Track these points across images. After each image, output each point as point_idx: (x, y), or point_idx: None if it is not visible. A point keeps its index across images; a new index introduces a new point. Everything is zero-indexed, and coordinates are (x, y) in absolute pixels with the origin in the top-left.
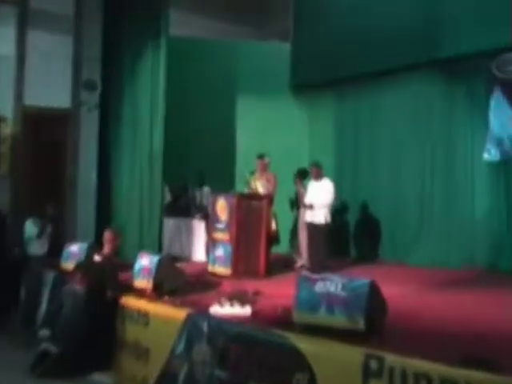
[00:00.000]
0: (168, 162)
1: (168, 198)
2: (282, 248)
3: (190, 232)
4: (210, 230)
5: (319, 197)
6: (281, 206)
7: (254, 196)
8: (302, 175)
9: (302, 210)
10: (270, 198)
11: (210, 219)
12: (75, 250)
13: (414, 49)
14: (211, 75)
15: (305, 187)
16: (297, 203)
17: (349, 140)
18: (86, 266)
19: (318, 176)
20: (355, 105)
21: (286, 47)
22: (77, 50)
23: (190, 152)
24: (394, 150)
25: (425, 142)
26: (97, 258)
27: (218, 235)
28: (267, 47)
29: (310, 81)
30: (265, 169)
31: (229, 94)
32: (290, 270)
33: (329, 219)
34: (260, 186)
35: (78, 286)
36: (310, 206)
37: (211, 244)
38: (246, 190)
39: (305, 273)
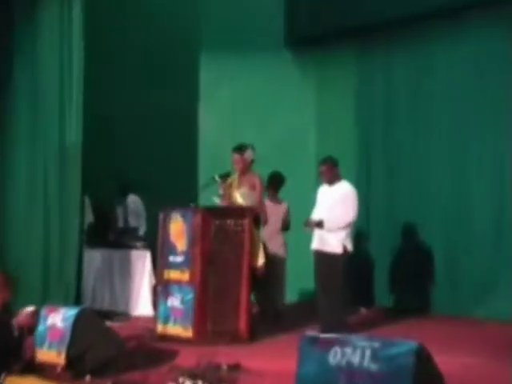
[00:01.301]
0: (89, 163)
1: (90, 217)
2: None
3: (126, 271)
4: (159, 266)
5: (334, 211)
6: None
7: (231, 212)
8: (276, 184)
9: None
10: (254, 215)
11: (159, 249)
12: None
13: None
14: (159, 29)
15: (275, 202)
16: (284, 225)
17: (379, 119)
18: None
19: (332, 178)
20: (388, 64)
21: None
22: None
23: (123, 147)
24: (456, 135)
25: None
26: None
27: (173, 274)
28: None
29: (315, 32)
30: (246, 169)
31: (187, 57)
32: (287, 329)
33: (349, 246)
34: (239, 196)
35: None
36: (319, 225)
37: (162, 289)
38: (216, 202)
39: (311, 334)
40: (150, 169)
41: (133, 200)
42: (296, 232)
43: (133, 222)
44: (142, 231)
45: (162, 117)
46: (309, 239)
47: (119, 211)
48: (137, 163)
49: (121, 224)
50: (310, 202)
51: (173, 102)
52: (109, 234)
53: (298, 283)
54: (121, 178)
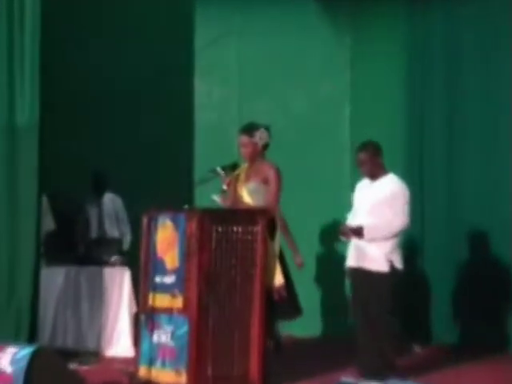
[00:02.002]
0: (50, 151)
1: (50, 224)
2: (306, 324)
3: (98, 295)
4: (142, 289)
5: (377, 215)
6: (302, 233)
7: (238, 215)
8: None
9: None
10: (270, 218)
11: (141, 266)
12: None
13: None
14: None
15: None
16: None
17: (437, 91)
18: None
19: (375, 170)
20: (452, 19)
21: None
22: None
23: (96, 130)
24: None
25: None
26: None
27: (161, 300)
28: None
29: None
30: (257, 156)
31: (178, 7)
32: (314, 372)
33: (398, 262)
34: (247, 193)
35: None
36: (358, 233)
37: (145, 320)
38: (217, 202)
39: (347, 380)
40: (131, 159)
41: (110, 200)
42: (324, 243)
43: (110, 230)
44: (126, 242)
45: (146, 90)
46: (342, 252)
47: (91, 215)
48: (114, 152)
49: (94, 233)
50: (344, 202)
51: (159, 70)
52: (76, 246)
53: (327, 311)
54: (94, 172)
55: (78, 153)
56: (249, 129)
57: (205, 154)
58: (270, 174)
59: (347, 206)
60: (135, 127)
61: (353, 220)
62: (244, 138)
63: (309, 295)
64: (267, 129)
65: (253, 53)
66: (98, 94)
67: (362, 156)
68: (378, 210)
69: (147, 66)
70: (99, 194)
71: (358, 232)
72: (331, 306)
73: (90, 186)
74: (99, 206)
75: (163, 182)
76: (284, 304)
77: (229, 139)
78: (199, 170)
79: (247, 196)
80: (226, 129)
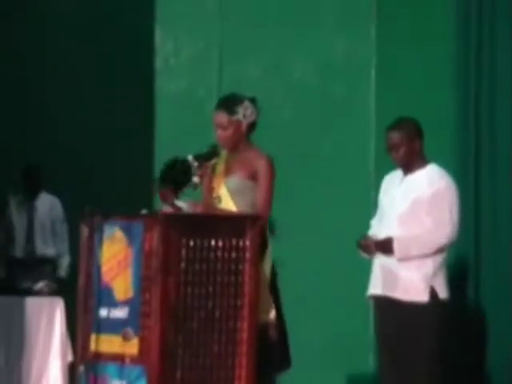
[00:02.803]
0: None
1: None
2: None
3: (18, 337)
4: (81, 327)
5: (414, 223)
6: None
7: (217, 223)
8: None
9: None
10: (259, 228)
11: (79, 295)
12: None
13: None
14: None
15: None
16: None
17: (503, 43)
18: None
19: (412, 159)
20: None
21: None
22: None
23: (28, 111)
24: None
25: None
26: None
27: (108, 344)
28: None
29: None
30: (239, 140)
31: None
32: None
33: (442, 289)
34: (228, 193)
35: None
36: (386, 247)
37: (85, 372)
38: (184, 209)
39: None
40: (70, 148)
41: (46, 204)
42: (337, 262)
43: (42, 246)
44: (64, 265)
45: (86, 49)
46: (363, 275)
47: (17, 225)
48: (49, 138)
49: (19, 249)
50: (367, 205)
51: (104, 16)
52: None
53: (341, 358)
54: (25, 165)
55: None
56: (228, 103)
57: (170, 139)
58: (260, 165)
59: (370, 209)
60: (75, 104)
61: (379, 229)
62: (221, 116)
63: (314, 335)
64: (253, 101)
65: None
66: (31, 75)
67: (395, 137)
68: (412, 216)
69: (87, 12)
70: (31, 196)
71: (386, 247)
72: (347, 351)
73: (20, 185)
74: (29, 211)
75: (113, 177)
76: (273, 349)
77: (204, 116)
78: (162, 161)
79: (227, 196)
80: (201, 102)
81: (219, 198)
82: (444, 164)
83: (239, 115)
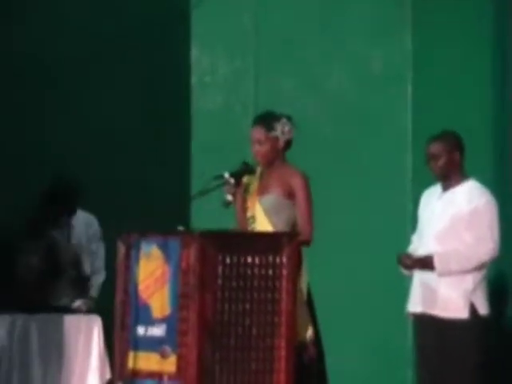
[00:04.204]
0: None
1: None
2: None
3: (55, 355)
4: (119, 345)
5: (454, 239)
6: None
7: (254, 240)
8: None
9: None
10: (297, 247)
11: (117, 313)
12: None
13: None
14: None
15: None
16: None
17: None
18: None
19: (452, 173)
20: None
21: None
22: None
23: (60, 118)
24: None
25: None
26: None
27: (146, 361)
28: None
29: None
30: (276, 157)
31: None
32: None
33: (483, 307)
34: (263, 211)
35: None
36: (426, 264)
37: None
38: (230, 203)
39: None
40: (102, 163)
41: (83, 222)
42: (376, 279)
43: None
44: (97, 284)
45: (123, 64)
46: (404, 292)
47: (61, 238)
48: (86, 156)
49: (67, 261)
50: (405, 220)
51: (139, 36)
52: (25, 287)
53: (379, 379)
54: (59, 180)
55: (35, 154)
56: (266, 119)
57: (206, 155)
58: (295, 182)
59: (408, 223)
60: (112, 121)
61: (419, 246)
62: (259, 132)
63: (352, 352)
64: (289, 119)
65: (274, 11)
66: (51, 65)
67: (435, 147)
68: (452, 233)
69: (123, 28)
70: (68, 214)
71: (426, 263)
72: (385, 367)
73: (55, 201)
74: (67, 230)
75: (149, 194)
76: (310, 367)
77: (240, 133)
78: (198, 178)
79: (261, 215)
80: (237, 119)
81: (253, 218)
82: (481, 178)
83: (277, 132)
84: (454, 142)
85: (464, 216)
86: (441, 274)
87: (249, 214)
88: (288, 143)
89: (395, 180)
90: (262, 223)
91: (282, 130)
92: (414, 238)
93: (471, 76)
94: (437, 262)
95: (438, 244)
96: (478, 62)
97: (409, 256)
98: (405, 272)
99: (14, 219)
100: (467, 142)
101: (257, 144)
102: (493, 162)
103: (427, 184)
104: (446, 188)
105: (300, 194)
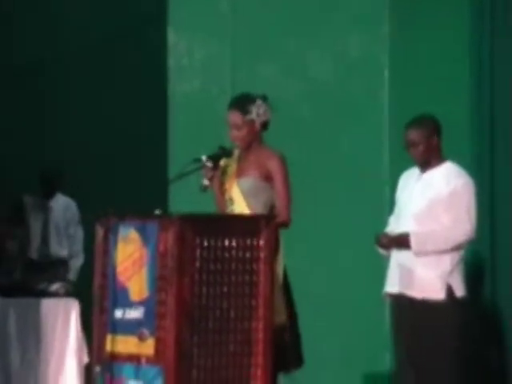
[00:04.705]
0: None
1: None
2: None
3: (33, 339)
4: (97, 328)
5: (431, 220)
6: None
7: (232, 222)
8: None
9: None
10: (275, 229)
11: (95, 296)
12: None
13: None
14: None
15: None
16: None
17: None
18: None
19: (430, 157)
20: None
21: None
22: None
23: (38, 114)
24: None
25: None
26: None
27: (124, 344)
28: None
29: None
30: (253, 139)
31: None
32: None
33: (460, 289)
34: (242, 194)
35: None
36: (402, 242)
37: (101, 372)
38: (207, 187)
39: None
40: (84, 148)
41: (62, 205)
42: (354, 260)
43: (56, 248)
44: (75, 267)
45: (100, 52)
46: (380, 274)
47: (33, 225)
48: (64, 141)
49: (34, 249)
50: (382, 202)
51: (119, 23)
52: (5, 270)
53: (357, 359)
54: (42, 167)
55: (18, 143)
56: (241, 102)
57: (183, 139)
58: (273, 165)
59: (385, 206)
60: (89, 105)
61: (396, 227)
62: (235, 116)
63: (330, 334)
64: (265, 99)
65: None
66: (38, 62)
67: (414, 134)
68: (430, 214)
69: (103, 18)
70: (47, 197)
71: (403, 241)
72: (363, 349)
73: (36, 185)
74: (45, 213)
75: (128, 178)
76: (286, 350)
77: (217, 116)
78: (176, 161)
79: (239, 198)
80: (214, 102)
81: (231, 200)
82: (458, 161)
83: (252, 114)
84: (431, 127)
85: (443, 198)
86: (416, 254)
87: (227, 196)
88: (264, 124)
89: (372, 163)
90: (240, 205)
91: (257, 112)
92: (391, 220)
93: (448, 59)
94: (413, 241)
95: (416, 225)
96: (455, 45)
97: (386, 235)
98: (382, 252)
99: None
100: (444, 125)
101: (234, 129)
102: (470, 144)
103: (404, 167)
104: (423, 170)
105: (278, 177)
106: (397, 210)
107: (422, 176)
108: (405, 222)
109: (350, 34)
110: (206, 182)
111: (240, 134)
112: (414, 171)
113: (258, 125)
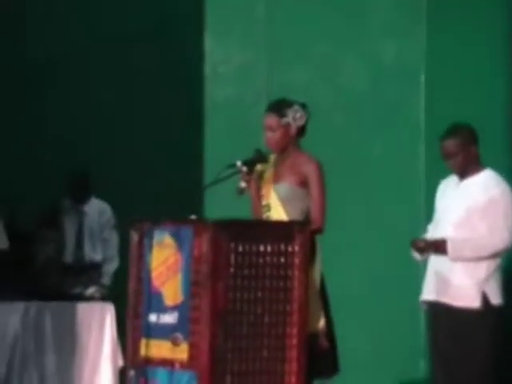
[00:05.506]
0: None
1: (3, 242)
2: None
3: (69, 343)
4: (131, 333)
5: (469, 227)
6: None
7: (266, 228)
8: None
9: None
10: (309, 235)
11: (129, 301)
12: None
13: None
14: None
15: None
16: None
17: None
18: None
19: (467, 165)
20: None
21: None
22: None
23: (69, 117)
24: None
25: None
26: None
27: (158, 349)
28: None
29: None
30: (288, 144)
31: None
32: None
33: (496, 296)
34: (278, 200)
35: None
36: (439, 247)
37: (136, 376)
38: (244, 192)
39: None
40: (117, 153)
41: (96, 210)
42: (390, 267)
43: (90, 253)
44: (109, 272)
45: (135, 55)
46: (417, 280)
47: (67, 231)
48: (100, 145)
49: (68, 256)
50: (417, 207)
51: (152, 25)
52: (39, 274)
53: (392, 367)
54: (72, 171)
55: (47, 147)
56: (278, 106)
57: (219, 144)
58: (310, 171)
59: (420, 213)
60: (127, 111)
61: (434, 234)
62: (271, 118)
63: (365, 341)
64: (303, 106)
65: (287, 1)
66: (69, 61)
67: (451, 145)
68: (467, 223)
69: (134, 18)
70: (80, 201)
71: (439, 246)
72: (398, 356)
73: (70, 189)
74: (79, 217)
75: (164, 183)
76: (322, 357)
77: (253, 123)
78: (211, 167)
79: (276, 204)
80: (249, 109)
81: (268, 206)
82: (496, 168)
83: (289, 118)
84: (467, 136)
85: (480, 206)
86: (453, 259)
87: (264, 202)
88: (301, 130)
89: (408, 171)
90: (277, 211)
91: (293, 116)
92: (430, 228)
93: (485, 66)
94: (450, 247)
95: (453, 232)
96: (492, 52)
97: (422, 239)
98: (417, 257)
99: (29, 209)
100: (481, 131)
101: (269, 131)
102: (508, 150)
103: (440, 175)
104: (462, 178)
105: (314, 182)
106: (436, 218)
107: (460, 184)
108: (443, 230)
109: (385, 39)
110: (243, 184)
111: (274, 137)
112: (452, 179)
113: (293, 129)
